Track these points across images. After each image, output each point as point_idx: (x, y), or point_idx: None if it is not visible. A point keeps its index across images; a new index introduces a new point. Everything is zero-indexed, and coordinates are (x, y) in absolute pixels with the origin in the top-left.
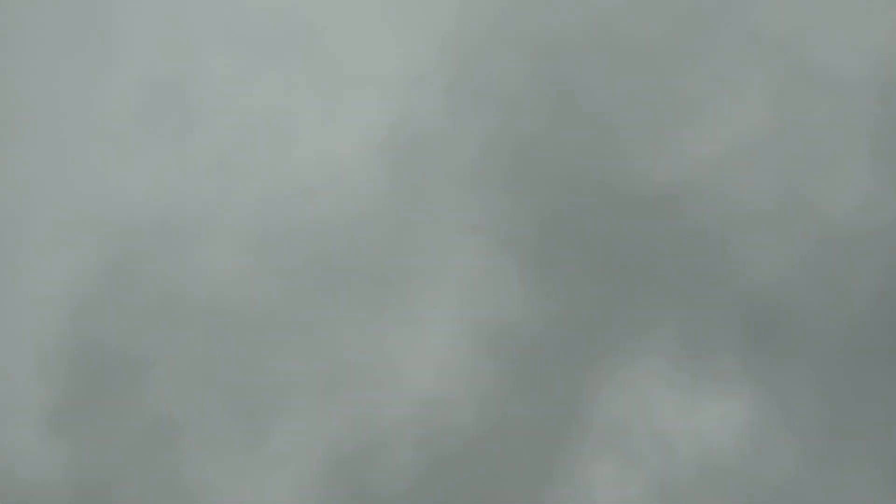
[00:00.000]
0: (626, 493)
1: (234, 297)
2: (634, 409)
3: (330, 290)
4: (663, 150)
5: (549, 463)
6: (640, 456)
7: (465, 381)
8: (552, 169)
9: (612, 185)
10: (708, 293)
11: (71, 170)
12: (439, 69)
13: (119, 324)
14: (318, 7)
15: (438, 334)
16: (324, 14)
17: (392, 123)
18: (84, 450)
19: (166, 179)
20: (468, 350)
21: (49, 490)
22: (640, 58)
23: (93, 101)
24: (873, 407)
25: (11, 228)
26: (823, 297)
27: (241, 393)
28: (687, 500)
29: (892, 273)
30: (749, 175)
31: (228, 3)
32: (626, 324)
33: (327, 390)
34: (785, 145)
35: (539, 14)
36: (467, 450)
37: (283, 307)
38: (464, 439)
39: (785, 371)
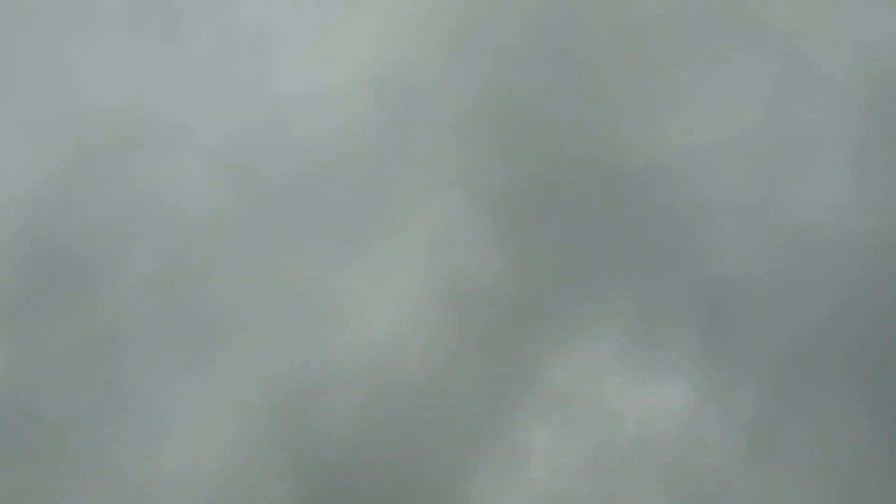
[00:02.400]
0: (561, 460)
1: (198, 212)
2: (581, 380)
3: (298, 217)
4: (650, 129)
5: (490, 420)
6: (579, 426)
7: (419, 330)
8: (543, 135)
9: (597, 159)
10: (668, 278)
11: (49, 56)
12: (446, 13)
13: (76, 225)
14: None
15: (400, 279)
16: None
17: (387, 57)
18: (25, 350)
19: (147, 83)
20: (428, 299)
21: None
22: (642, 35)
23: None
24: (810, 417)
25: None
26: (781, 301)
27: (191, 312)
28: (620, 473)
29: (856, 286)
30: (729, 165)
31: None
32: (587, 298)
33: (280, 322)
34: (770, 141)
35: None
36: (412, 394)
37: (246, 228)
38: (410, 384)
39: (729, 367)
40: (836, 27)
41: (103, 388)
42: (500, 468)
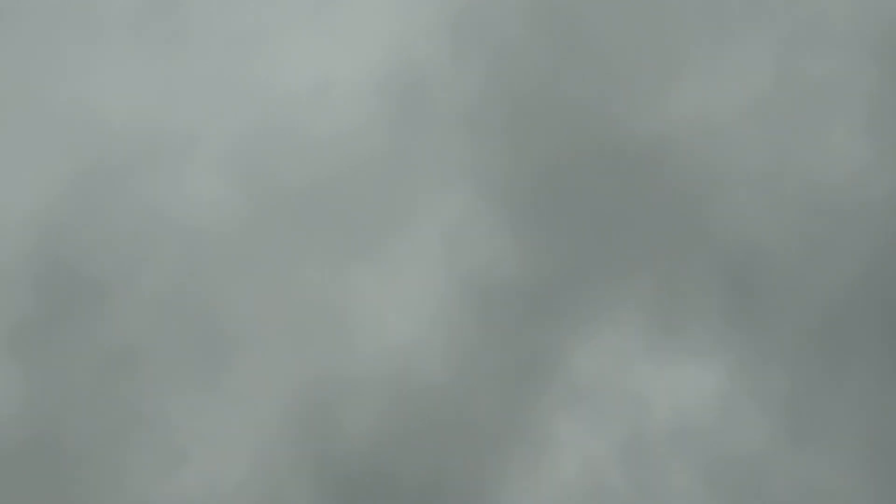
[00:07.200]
0: (593, 452)
1: (209, 224)
2: (607, 368)
3: (310, 220)
4: (655, 102)
5: (516, 415)
6: (609, 415)
7: (438, 328)
8: (547, 119)
9: (605, 139)
10: (688, 256)
11: (54, 71)
12: (443, 8)
13: (87, 240)
14: None
15: (416, 277)
16: None
17: (389, 49)
18: (41, 373)
19: (153, 95)
20: (444, 298)
21: (2, 413)
22: (643, 9)
23: (83, 5)
24: (848, 387)
25: None
26: (805, 270)
27: (206, 325)
28: (654, 461)
29: (880, 249)
30: (739, 135)
31: None
32: (605, 282)
33: (296, 329)
34: (779, 107)
35: None
36: (435, 394)
37: (259, 240)
38: (433, 383)
39: (758, 342)
40: None
41: (123, 407)
42: (530, 464)
